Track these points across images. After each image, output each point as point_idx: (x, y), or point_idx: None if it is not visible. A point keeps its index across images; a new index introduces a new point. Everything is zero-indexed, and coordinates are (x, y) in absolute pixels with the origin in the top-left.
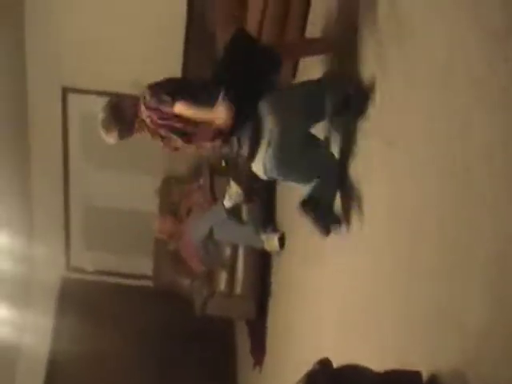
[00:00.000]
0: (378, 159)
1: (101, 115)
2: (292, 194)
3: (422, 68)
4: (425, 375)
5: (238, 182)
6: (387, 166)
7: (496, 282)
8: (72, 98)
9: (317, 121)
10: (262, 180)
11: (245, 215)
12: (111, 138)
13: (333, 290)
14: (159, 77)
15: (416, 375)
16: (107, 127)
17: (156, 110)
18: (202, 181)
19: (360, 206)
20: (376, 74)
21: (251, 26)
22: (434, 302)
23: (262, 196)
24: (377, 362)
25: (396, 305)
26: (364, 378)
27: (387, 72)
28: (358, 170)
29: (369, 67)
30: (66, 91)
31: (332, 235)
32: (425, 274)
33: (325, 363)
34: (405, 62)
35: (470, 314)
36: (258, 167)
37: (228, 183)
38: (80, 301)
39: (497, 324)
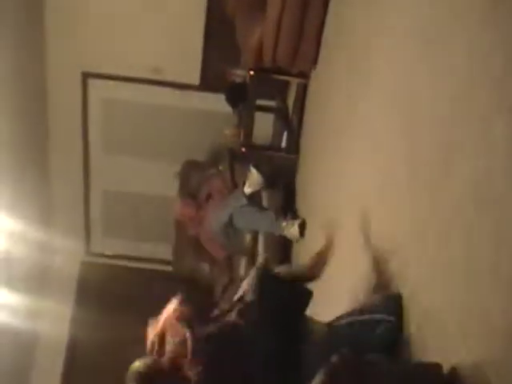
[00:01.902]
0: None
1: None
2: (313, 182)
3: None
4: (445, 368)
5: (259, 169)
6: None
7: None
8: (92, 83)
9: None
10: (281, 167)
11: (265, 202)
12: None
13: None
14: (178, 62)
15: (436, 367)
16: None
17: None
18: (221, 166)
19: None
20: None
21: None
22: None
23: (282, 183)
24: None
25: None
26: (385, 372)
27: None
28: None
29: None
30: (86, 76)
31: None
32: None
33: (345, 357)
34: None
35: (497, 311)
36: None
37: (248, 169)
38: (99, 285)
39: None
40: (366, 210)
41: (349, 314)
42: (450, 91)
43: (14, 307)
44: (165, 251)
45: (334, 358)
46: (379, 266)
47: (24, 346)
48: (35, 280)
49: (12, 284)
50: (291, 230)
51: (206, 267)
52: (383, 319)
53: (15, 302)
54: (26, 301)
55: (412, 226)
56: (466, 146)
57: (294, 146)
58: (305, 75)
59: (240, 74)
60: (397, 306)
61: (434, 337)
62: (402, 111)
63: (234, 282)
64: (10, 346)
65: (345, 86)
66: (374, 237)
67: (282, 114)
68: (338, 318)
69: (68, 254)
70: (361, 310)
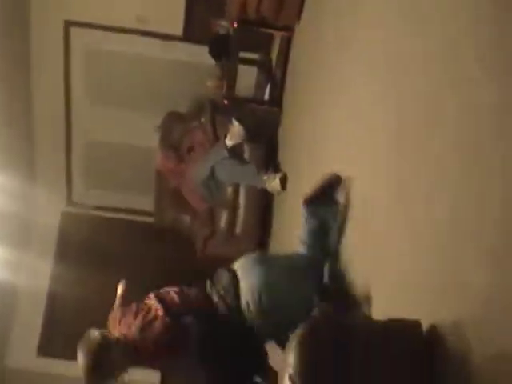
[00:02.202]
0: None
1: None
2: (295, 136)
3: None
4: (425, 325)
5: (241, 122)
6: None
7: (498, 247)
8: (75, 32)
9: None
10: (264, 121)
11: (247, 155)
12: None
13: None
14: (162, 13)
15: (415, 324)
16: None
17: None
18: (203, 119)
19: None
20: None
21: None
22: (439, 257)
23: (264, 136)
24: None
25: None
26: (364, 326)
27: None
28: None
29: None
30: (68, 25)
31: None
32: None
33: (326, 312)
34: None
35: (474, 275)
36: None
37: (230, 122)
38: (80, 236)
39: (499, 287)
40: (350, 165)
41: None
42: (438, 51)
43: None
44: (147, 203)
45: (315, 312)
46: (360, 228)
47: (4, 299)
48: (16, 231)
49: None
50: (272, 183)
51: (187, 219)
52: None
53: None
54: (6, 252)
55: (396, 186)
56: (451, 106)
57: (277, 100)
58: (289, 28)
59: (224, 26)
60: None
61: (416, 296)
62: (390, 63)
63: (214, 234)
64: None
65: (330, 38)
66: (357, 197)
67: (265, 67)
68: None
69: (49, 205)
70: None
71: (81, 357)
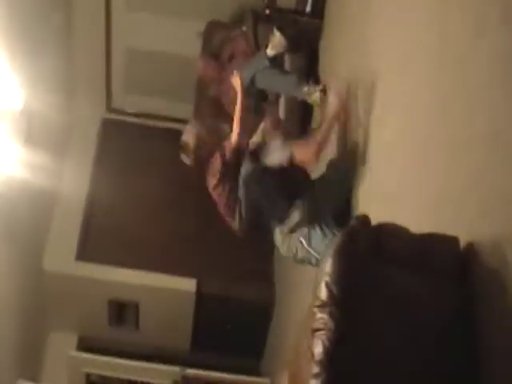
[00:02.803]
0: None
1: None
2: (337, 48)
3: None
4: (462, 242)
5: (282, 32)
6: None
7: None
8: None
9: None
10: (305, 32)
11: (287, 65)
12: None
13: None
14: None
15: (453, 241)
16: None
17: None
18: (245, 27)
19: None
20: None
21: None
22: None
23: (305, 48)
24: (414, 223)
25: (442, 167)
26: (404, 239)
27: None
28: None
29: None
30: None
31: None
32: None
33: (364, 221)
34: None
35: None
36: None
37: (272, 31)
38: (119, 143)
39: None
40: (390, 77)
41: None
42: None
43: (34, 163)
44: (186, 111)
45: (353, 221)
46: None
47: (42, 203)
48: (56, 136)
49: (33, 142)
50: (312, 94)
51: (225, 128)
52: None
53: (35, 158)
54: (45, 157)
55: (434, 98)
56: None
57: (319, 11)
58: None
59: None
60: None
61: (454, 214)
62: None
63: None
64: (30, 200)
65: None
66: (396, 108)
67: None
68: None
69: (89, 111)
70: None
71: None
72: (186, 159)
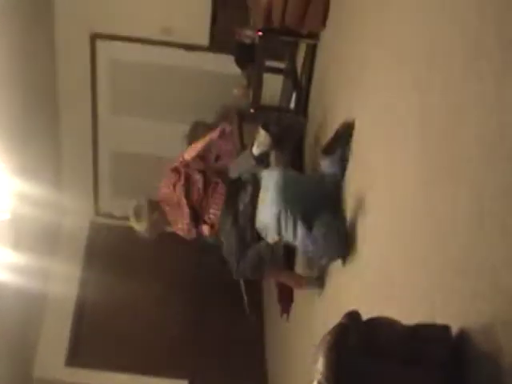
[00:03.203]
0: None
1: (135, 202)
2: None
3: None
4: (454, 330)
5: (267, 130)
6: None
7: None
8: (101, 45)
9: None
10: (290, 129)
11: (273, 163)
12: (138, 226)
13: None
14: (187, 23)
15: (445, 329)
16: (138, 215)
17: None
18: (229, 127)
19: None
20: None
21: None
22: (469, 255)
23: (290, 144)
24: (406, 315)
25: (431, 253)
26: (394, 332)
27: None
28: None
29: None
30: (94, 37)
31: None
32: (460, 218)
33: (354, 316)
34: None
35: (507, 271)
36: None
37: (257, 130)
38: (108, 246)
39: None
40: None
41: None
42: None
43: (23, 268)
44: None
45: (343, 319)
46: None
47: (32, 308)
48: (44, 240)
49: (21, 245)
50: None
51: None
52: None
53: (24, 263)
54: (34, 261)
55: (419, 179)
56: None
57: (303, 108)
58: (314, 36)
59: (249, 35)
60: None
61: (444, 300)
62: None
63: None
64: (20, 306)
65: (356, 44)
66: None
67: (291, 75)
68: None
69: (77, 215)
70: None
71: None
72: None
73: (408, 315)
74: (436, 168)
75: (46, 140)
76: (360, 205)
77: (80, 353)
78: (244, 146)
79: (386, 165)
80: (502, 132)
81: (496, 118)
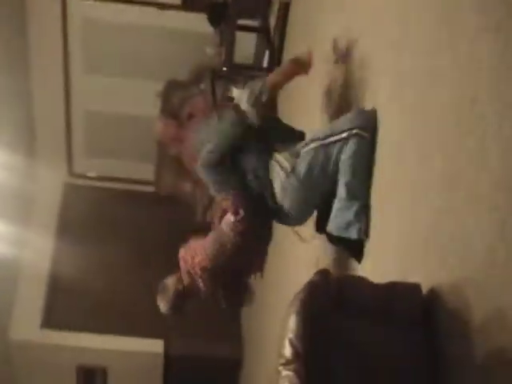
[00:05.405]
0: None
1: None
2: (293, 106)
3: None
4: (424, 288)
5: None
6: None
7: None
8: (72, 2)
9: None
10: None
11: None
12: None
13: None
14: None
15: (415, 288)
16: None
17: None
18: (203, 85)
19: None
20: None
21: None
22: (439, 219)
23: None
24: (378, 275)
25: (401, 217)
26: (364, 290)
27: None
28: None
29: None
30: None
31: None
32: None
33: (325, 274)
34: None
35: (478, 235)
36: None
37: (229, 89)
38: (82, 208)
39: (500, 249)
40: None
41: (312, 140)
42: None
43: None
44: (147, 171)
45: (314, 276)
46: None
47: (6, 273)
48: (18, 205)
49: None
50: None
51: (187, 187)
52: (353, 134)
53: None
54: (8, 227)
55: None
56: None
57: (276, 66)
58: None
59: None
60: (372, 121)
61: (416, 260)
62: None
63: (213, 202)
64: None
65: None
66: None
67: (263, 34)
68: (306, 144)
69: (50, 176)
70: (326, 135)
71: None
72: (162, 304)
73: (380, 275)
74: None
75: (16, 102)
76: None
77: (55, 315)
78: (216, 104)
79: None
80: None
81: None
